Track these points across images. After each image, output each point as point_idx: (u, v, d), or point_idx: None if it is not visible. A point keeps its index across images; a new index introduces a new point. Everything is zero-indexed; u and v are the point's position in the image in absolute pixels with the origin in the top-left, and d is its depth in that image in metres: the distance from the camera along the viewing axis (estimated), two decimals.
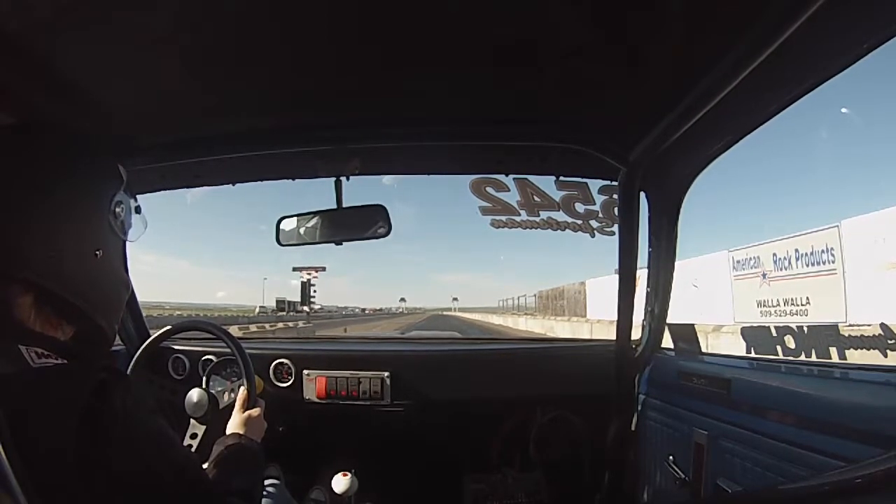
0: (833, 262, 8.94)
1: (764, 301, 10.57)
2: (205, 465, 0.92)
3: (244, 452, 1.02)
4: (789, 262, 9.95)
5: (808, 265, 9.52)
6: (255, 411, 1.19)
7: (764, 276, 10.64)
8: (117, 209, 0.77)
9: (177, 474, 0.70)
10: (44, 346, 0.64)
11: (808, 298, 9.47)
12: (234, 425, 1.14)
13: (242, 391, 1.24)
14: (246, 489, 0.90)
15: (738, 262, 11.40)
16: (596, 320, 17.62)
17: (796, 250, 9.77)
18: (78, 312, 0.71)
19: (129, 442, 0.63)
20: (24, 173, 0.67)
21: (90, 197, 0.74)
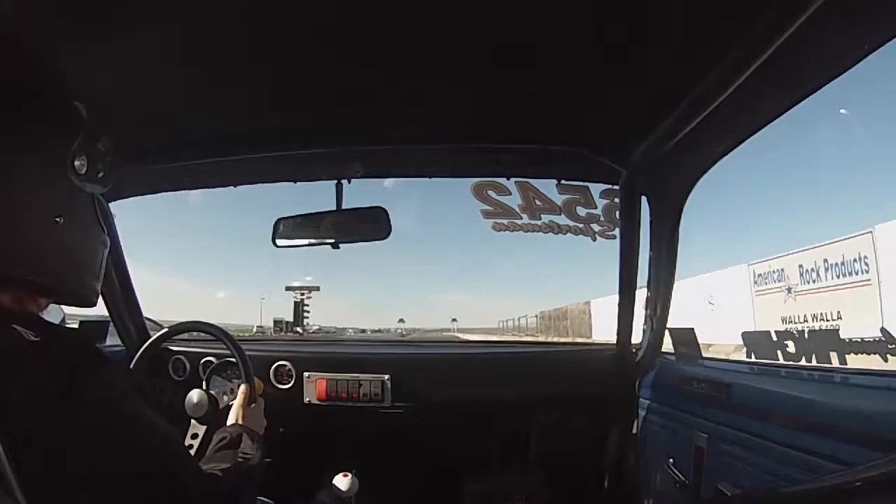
0: (867, 271, 7.85)
1: (789, 317, 9.40)
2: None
3: (243, 437, 1.02)
4: (817, 274, 8.84)
5: (838, 276, 8.40)
6: (255, 406, 1.20)
7: (789, 290, 9.52)
8: (77, 162, 0.66)
9: (158, 454, 0.65)
10: (18, 322, 0.59)
11: (838, 313, 8.37)
12: (234, 418, 1.14)
13: (242, 390, 1.24)
14: (242, 470, 0.89)
15: (760, 275, 10.17)
16: (602, 342, 17.14)
17: (825, 260, 8.67)
18: (46, 287, 0.66)
19: (100, 427, 0.59)
20: None
21: (40, 157, 0.63)
